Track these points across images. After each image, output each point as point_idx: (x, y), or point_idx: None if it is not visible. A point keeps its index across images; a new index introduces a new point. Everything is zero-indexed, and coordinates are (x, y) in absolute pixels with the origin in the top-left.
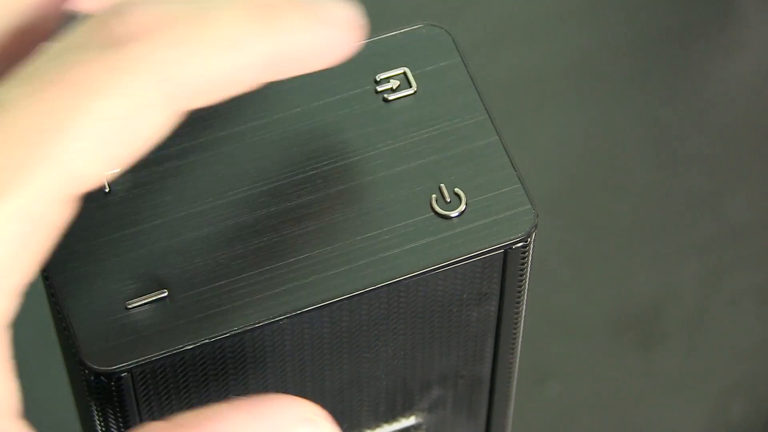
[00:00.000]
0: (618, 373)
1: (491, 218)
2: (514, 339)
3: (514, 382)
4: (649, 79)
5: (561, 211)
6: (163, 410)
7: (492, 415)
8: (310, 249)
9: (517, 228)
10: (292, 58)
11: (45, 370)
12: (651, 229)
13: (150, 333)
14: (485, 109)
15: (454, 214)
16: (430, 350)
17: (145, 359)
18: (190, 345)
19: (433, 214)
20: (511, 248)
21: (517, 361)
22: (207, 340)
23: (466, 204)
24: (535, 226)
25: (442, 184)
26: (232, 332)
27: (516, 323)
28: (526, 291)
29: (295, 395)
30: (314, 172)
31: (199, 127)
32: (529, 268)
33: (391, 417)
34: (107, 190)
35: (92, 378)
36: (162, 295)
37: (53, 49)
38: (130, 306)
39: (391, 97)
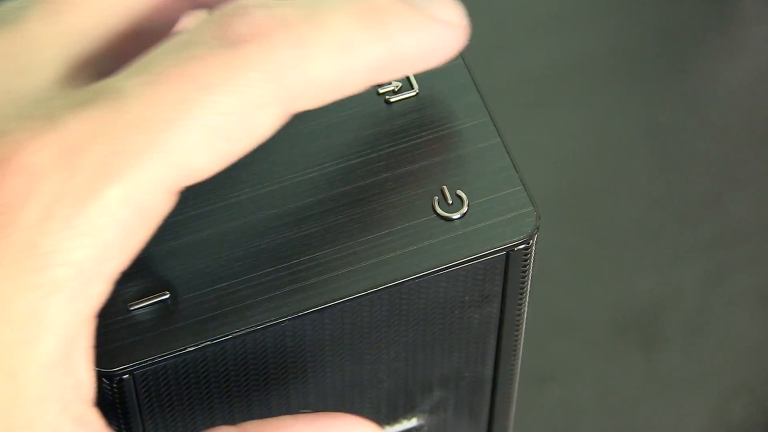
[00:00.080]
0: (619, 374)
1: (493, 220)
2: (516, 340)
3: (516, 384)
4: (650, 80)
5: (563, 213)
6: (164, 412)
7: (493, 417)
8: (312, 251)
9: (519, 230)
10: (401, 60)
11: None
12: (652, 230)
13: (152, 334)
14: (487, 111)
15: (456, 216)
16: (432, 352)
17: (147, 361)
18: (191, 347)
19: (435, 216)
20: (513, 250)
21: (519, 362)
22: (209, 342)
23: (468, 206)
24: (537, 228)
25: (444, 186)
26: (234, 334)
27: (518, 325)
28: (527, 292)
29: (297, 397)
30: (316, 173)
31: None
32: (531, 270)
33: (392, 419)
34: None
35: None
36: (164, 297)
37: (170, 43)
38: (131, 307)
39: (393, 98)
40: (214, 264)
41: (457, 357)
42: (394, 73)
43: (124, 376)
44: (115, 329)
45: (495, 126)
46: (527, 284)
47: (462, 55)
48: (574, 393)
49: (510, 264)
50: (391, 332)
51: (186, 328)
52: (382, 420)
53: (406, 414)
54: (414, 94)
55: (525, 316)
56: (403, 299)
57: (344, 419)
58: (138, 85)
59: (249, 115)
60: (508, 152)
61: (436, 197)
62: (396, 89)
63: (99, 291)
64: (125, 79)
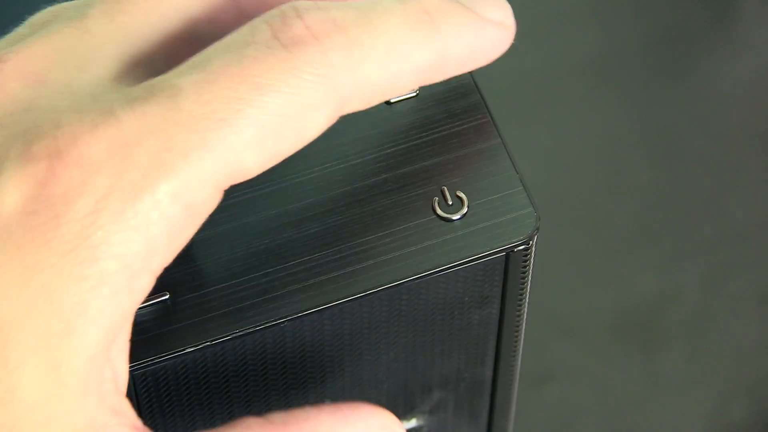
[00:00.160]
0: (619, 375)
1: (493, 221)
2: (516, 341)
3: (516, 385)
4: (650, 81)
5: (563, 214)
6: (164, 412)
7: (493, 417)
8: (312, 252)
9: (519, 231)
10: (451, 61)
11: None
12: (652, 231)
13: (151, 335)
14: (487, 111)
15: (456, 216)
16: (432, 353)
17: (147, 361)
18: (191, 347)
19: (435, 216)
20: (513, 251)
21: (519, 363)
22: (208, 342)
23: (468, 207)
24: (537, 228)
25: (444, 187)
26: (234, 335)
27: (517, 325)
28: (527, 293)
29: (297, 398)
30: (316, 174)
31: None
32: (530, 271)
33: None
34: None
35: None
36: (163, 298)
37: (225, 42)
38: None
39: (394, 99)
40: (214, 264)
41: (457, 357)
42: (444, 74)
43: None
44: None
45: (495, 127)
46: (527, 285)
47: None
48: (574, 393)
49: (510, 265)
50: (390, 333)
51: (185, 328)
52: None
53: (406, 415)
54: (414, 95)
55: (525, 317)
56: (402, 300)
57: (365, 409)
58: (192, 83)
59: (301, 116)
60: (508, 153)
61: (436, 198)
62: None
63: (143, 285)
64: (180, 77)
